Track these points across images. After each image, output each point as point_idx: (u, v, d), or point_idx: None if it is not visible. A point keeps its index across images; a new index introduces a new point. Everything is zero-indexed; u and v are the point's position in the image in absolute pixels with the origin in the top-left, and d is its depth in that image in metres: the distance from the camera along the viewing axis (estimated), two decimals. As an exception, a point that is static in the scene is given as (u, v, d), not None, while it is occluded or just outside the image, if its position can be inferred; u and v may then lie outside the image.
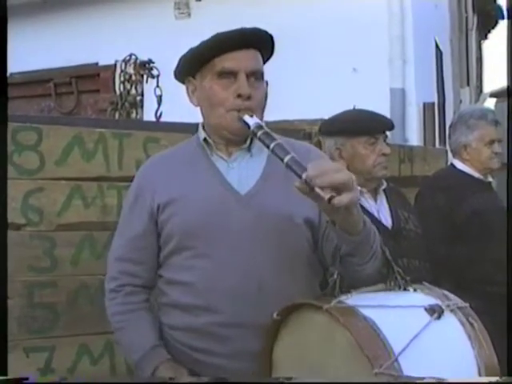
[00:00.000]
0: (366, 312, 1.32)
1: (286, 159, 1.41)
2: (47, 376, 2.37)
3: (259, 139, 1.54)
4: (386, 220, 2.42)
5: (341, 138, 2.41)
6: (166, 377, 1.64)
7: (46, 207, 2.40)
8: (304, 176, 1.34)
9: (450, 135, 3.10)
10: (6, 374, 1.52)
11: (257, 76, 1.70)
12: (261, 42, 1.72)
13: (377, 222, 2.29)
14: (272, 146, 1.47)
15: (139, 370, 1.73)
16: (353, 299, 1.39)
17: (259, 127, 1.56)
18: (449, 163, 3.24)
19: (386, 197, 2.49)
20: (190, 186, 1.71)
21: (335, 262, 1.55)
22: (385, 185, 2.49)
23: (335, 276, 1.51)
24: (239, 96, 1.65)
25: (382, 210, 2.44)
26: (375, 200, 2.44)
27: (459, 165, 3.00)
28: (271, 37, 1.74)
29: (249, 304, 1.63)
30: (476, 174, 2.95)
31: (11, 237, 2.25)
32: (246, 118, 1.61)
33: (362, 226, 1.46)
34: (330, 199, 1.30)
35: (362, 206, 2.29)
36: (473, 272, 2.73)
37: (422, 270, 2.38)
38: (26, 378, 1.45)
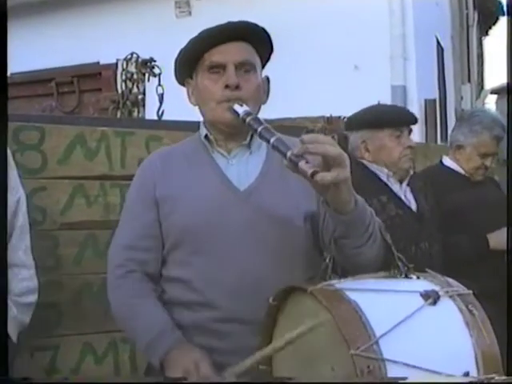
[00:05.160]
0: (353, 295, 1.29)
1: (272, 140, 1.43)
2: (52, 375, 2.37)
3: (248, 125, 1.56)
4: (412, 203, 2.50)
5: (367, 132, 2.48)
6: (179, 362, 1.54)
7: (49, 206, 2.40)
8: (289, 154, 1.35)
9: (454, 126, 3.09)
10: (6, 374, 1.52)
11: (247, 68, 1.70)
12: (250, 35, 1.72)
13: (404, 206, 2.42)
14: (260, 129, 1.49)
15: (149, 354, 1.63)
16: (344, 283, 1.37)
17: (248, 114, 1.58)
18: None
19: (408, 181, 2.56)
20: (190, 181, 1.72)
21: (330, 246, 1.55)
22: (411, 172, 2.57)
23: (327, 260, 1.50)
24: (227, 87, 1.66)
25: (407, 193, 2.51)
26: (400, 184, 2.50)
27: (447, 162, 2.99)
28: (264, 30, 1.74)
29: (247, 300, 1.63)
30: (463, 172, 2.94)
31: (14, 236, 2.25)
32: (236, 107, 1.62)
33: (353, 205, 1.44)
34: (312, 174, 1.30)
35: (390, 190, 2.42)
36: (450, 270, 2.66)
37: (439, 255, 2.47)
38: (26, 378, 1.45)
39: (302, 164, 1.32)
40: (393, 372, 1.21)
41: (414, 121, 2.54)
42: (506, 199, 2.63)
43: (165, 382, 1.67)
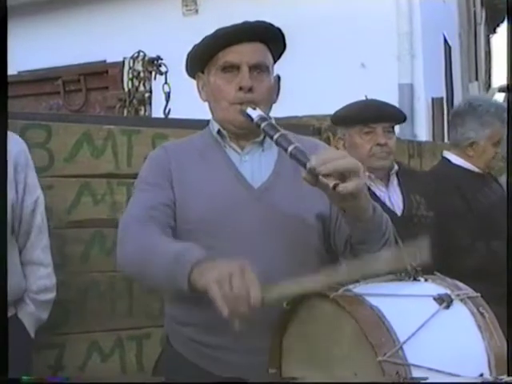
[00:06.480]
0: (373, 301, 1.30)
1: (289, 149, 1.41)
2: (58, 373, 2.37)
3: (263, 131, 1.55)
4: (398, 206, 2.40)
5: (342, 128, 2.45)
6: (218, 266, 1.35)
7: (56, 205, 2.40)
8: (308, 165, 1.33)
9: (455, 125, 2.84)
10: (6, 374, 1.52)
11: (261, 69, 1.69)
12: (265, 35, 1.71)
13: (386, 210, 2.25)
14: (276, 136, 1.48)
15: (175, 273, 1.43)
16: (360, 288, 1.38)
17: (263, 119, 1.56)
18: (443, 156, 2.92)
19: (399, 180, 2.46)
20: (204, 176, 1.70)
21: (346, 251, 1.56)
22: (396, 168, 2.46)
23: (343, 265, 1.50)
24: (241, 89, 1.65)
25: (393, 196, 2.42)
26: (386, 186, 2.42)
27: (455, 159, 2.82)
28: (279, 30, 1.73)
29: None
30: (476, 169, 2.78)
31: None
32: (249, 110, 1.61)
33: (371, 212, 1.46)
34: (334, 187, 1.30)
35: (372, 193, 2.28)
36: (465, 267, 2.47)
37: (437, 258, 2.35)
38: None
39: (322, 178, 1.31)
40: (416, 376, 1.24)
41: (388, 118, 2.41)
42: (507, 198, 2.60)
43: (168, 382, 1.66)
